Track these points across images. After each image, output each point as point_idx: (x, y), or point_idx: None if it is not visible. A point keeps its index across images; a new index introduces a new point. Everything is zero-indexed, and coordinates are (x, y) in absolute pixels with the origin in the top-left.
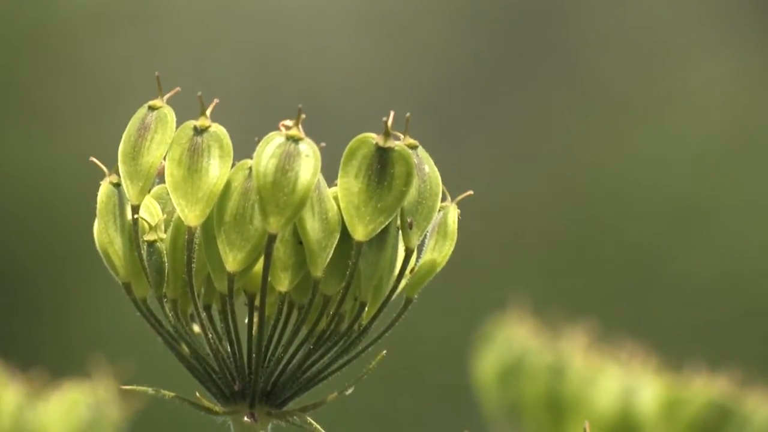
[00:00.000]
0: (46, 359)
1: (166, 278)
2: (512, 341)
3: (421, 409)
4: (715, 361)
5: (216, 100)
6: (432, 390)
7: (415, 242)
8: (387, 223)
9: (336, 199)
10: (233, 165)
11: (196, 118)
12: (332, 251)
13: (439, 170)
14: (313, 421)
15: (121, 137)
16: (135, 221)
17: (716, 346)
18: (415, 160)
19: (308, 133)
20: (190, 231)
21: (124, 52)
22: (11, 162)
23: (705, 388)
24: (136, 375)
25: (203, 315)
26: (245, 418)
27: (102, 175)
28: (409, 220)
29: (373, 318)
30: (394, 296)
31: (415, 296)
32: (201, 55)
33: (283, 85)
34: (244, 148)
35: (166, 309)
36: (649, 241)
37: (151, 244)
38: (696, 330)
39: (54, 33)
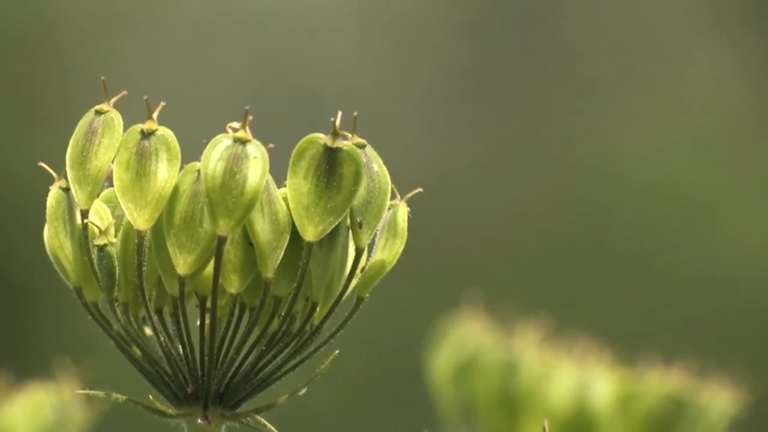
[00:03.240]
0: (10, 361)
1: (117, 282)
2: (466, 338)
3: (376, 408)
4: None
5: (162, 103)
6: (387, 388)
7: (365, 241)
8: (337, 223)
9: (286, 200)
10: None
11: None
12: (283, 252)
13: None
14: (266, 422)
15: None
16: (84, 226)
17: (695, 344)
18: (364, 159)
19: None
20: (140, 235)
21: (125, 50)
22: (11, 160)
23: (659, 381)
24: (101, 376)
25: (155, 318)
26: (199, 420)
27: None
28: (358, 219)
29: (325, 318)
30: (346, 296)
31: (367, 295)
32: (201, 55)
33: (282, 86)
34: None
35: (118, 313)
36: (638, 238)
37: (101, 248)
38: (673, 329)
39: (56, 31)
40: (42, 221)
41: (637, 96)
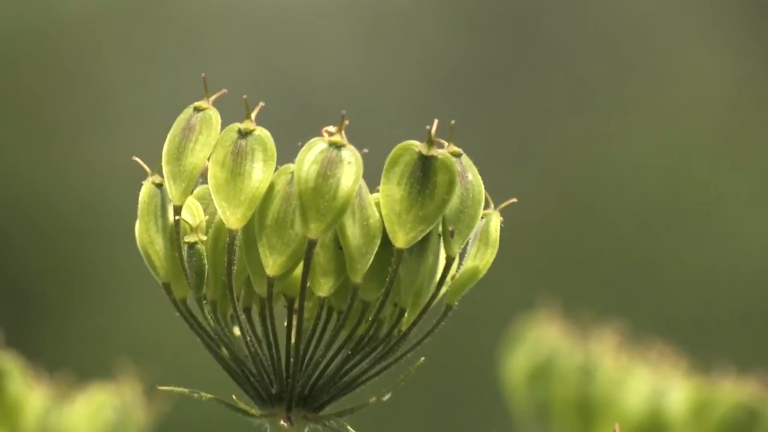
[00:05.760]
0: (72, 362)
1: (206, 280)
2: (542, 342)
3: (451, 410)
4: (741, 357)
5: (262, 104)
6: (462, 391)
7: (456, 250)
8: (428, 231)
9: (377, 205)
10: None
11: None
12: (372, 258)
13: None
14: (349, 426)
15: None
16: (177, 222)
17: (742, 344)
18: (459, 168)
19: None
20: (231, 234)
21: (131, 60)
22: (18, 168)
23: (734, 390)
24: (161, 378)
25: (242, 317)
26: (282, 422)
27: (143, 176)
28: (450, 228)
29: (413, 324)
30: (434, 303)
31: (456, 303)
32: (202, 59)
33: (274, 81)
34: None
35: (206, 311)
36: (652, 241)
37: (191, 245)
38: (673, 330)
39: (61, 41)
40: (61, 231)
41: (635, 96)
